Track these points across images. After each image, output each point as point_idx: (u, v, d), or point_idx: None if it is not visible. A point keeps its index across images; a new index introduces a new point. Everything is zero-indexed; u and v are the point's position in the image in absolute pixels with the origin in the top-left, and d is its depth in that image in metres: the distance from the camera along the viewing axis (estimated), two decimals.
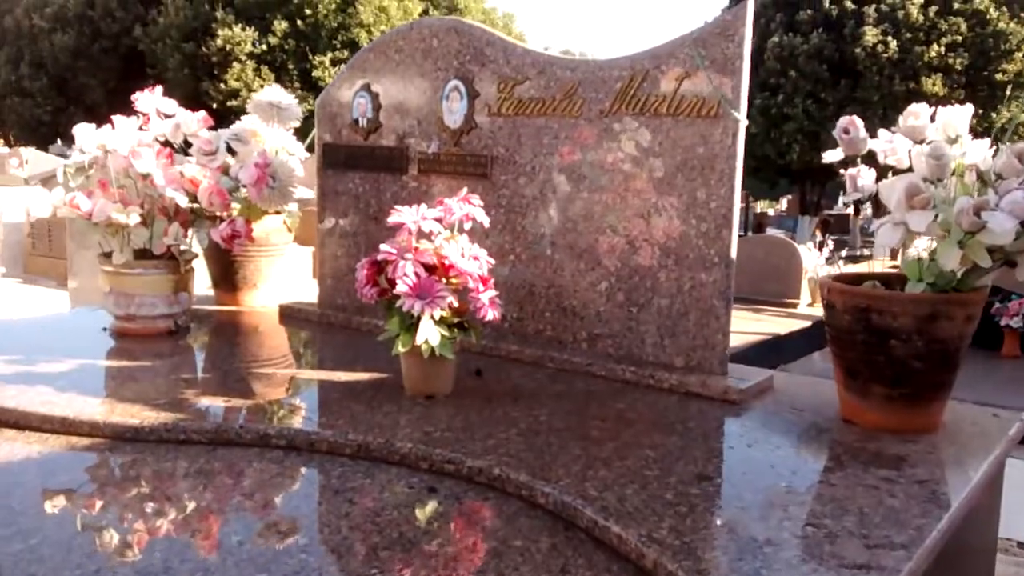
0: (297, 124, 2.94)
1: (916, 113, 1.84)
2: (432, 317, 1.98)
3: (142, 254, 2.56)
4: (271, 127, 2.85)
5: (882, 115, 17.90)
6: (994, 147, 1.84)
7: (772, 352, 6.93)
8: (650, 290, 2.29)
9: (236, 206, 2.75)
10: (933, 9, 19.01)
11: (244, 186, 2.65)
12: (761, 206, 29.66)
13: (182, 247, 2.63)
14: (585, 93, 2.35)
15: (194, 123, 2.67)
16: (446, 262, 1.98)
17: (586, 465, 1.66)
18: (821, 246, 12.15)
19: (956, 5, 19.02)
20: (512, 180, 2.50)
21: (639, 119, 2.26)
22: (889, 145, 1.97)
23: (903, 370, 1.85)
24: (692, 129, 2.18)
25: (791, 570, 1.27)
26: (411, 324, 1.98)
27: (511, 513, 1.55)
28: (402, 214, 2.00)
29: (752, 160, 19.98)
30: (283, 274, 3.22)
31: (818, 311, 10.08)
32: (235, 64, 23.51)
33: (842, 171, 2.03)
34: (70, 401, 1.97)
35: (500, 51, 2.48)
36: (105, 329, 2.67)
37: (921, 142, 1.87)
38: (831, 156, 1.97)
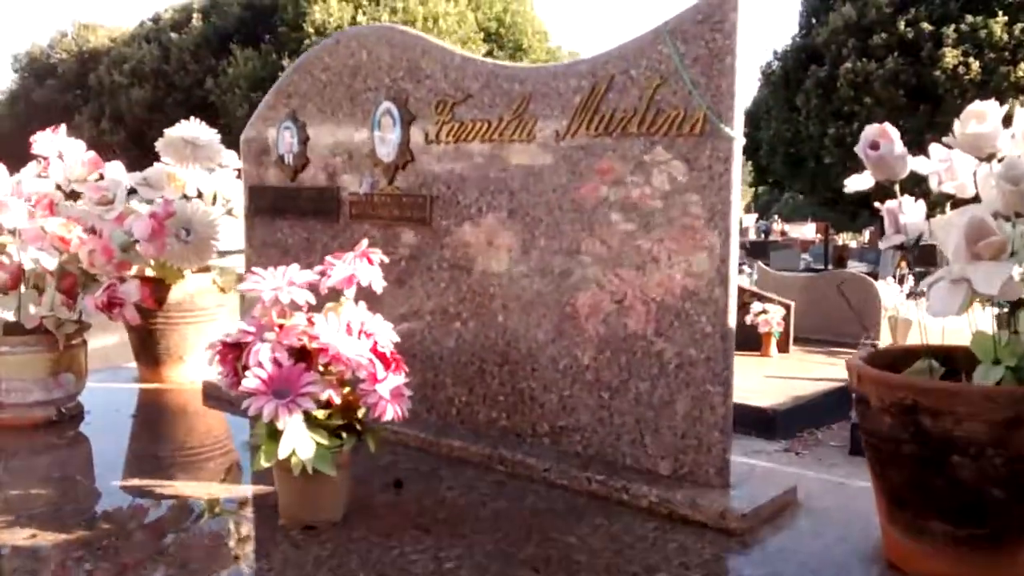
0: (217, 163, 2.45)
1: (980, 114, 1.23)
2: (312, 418, 1.44)
3: (13, 328, 2.09)
4: (186, 168, 2.37)
5: None
6: None
7: (845, 401, 6.20)
8: (625, 369, 1.70)
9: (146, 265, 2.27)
10: (1019, 27, 17.86)
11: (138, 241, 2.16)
12: (843, 238, 28.44)
13: (68, 317, 2.14)
14: (538, 110, 1.80)
15: (78, 166, 2.20)
16: (316, 344, 1.44)
17: None
18: (902, 280, 11.23)
19: None
20: (455, 226, 1.95)
21: (605, 141, 1.70)
22: (944, 165, 1.36)
23: (974, 500, 1.23)
24: (672, 152, 1.61)
25: None
26: (276, 429, 1.44)
27: None
28: (260, 279, 1.47)
29: (830, 192, 18.97)
30: None
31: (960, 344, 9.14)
32: None
33: (877, 204, 1.43)
34: None
35: (437, 62, 1.95)
36: None
37: (991, 158, 1.26)
38: (856, 183, 1.36)
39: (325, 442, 1.45)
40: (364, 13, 24.08)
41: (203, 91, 26.41)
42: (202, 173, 2.40)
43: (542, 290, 1.81)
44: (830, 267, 18.22)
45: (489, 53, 24.68)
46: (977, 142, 1.22)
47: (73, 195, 2.26)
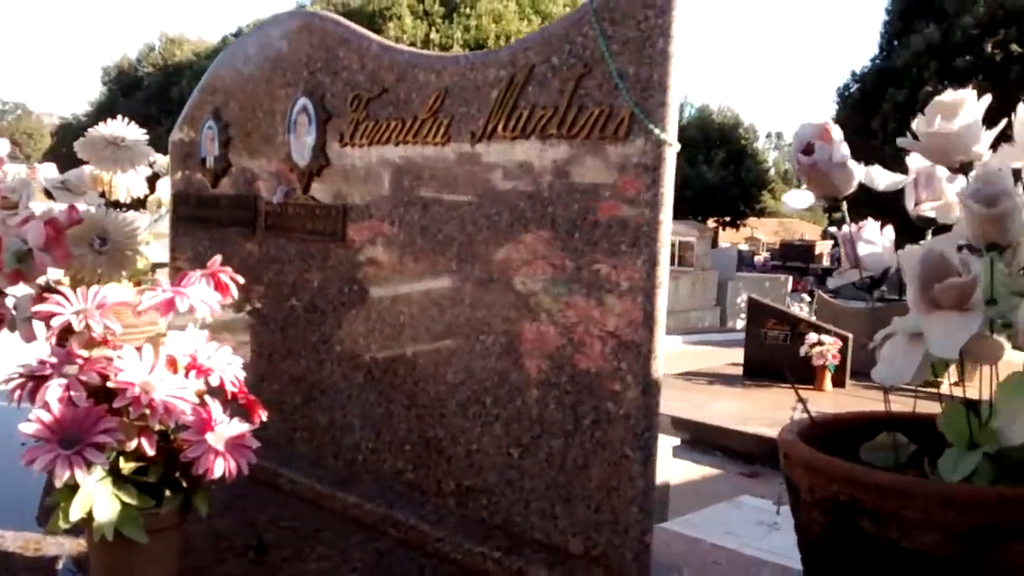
0: (145, 167, 2.21)
1: (951, 107, 0.89)
2: (119, 469, 1.17)
3: None
4: (108, 172, 2.13)
5: None
6: None
7: None
8: (536, 422, 1.39)
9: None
10: None
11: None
12: None
13: None
14: (454, 107, 1.50)
15: None
16: (116, 380, 1.17)
17: None
18: None
19: None
20: (368, 243, 1.67)
21: (521, 145, 1.40)
22: (923, 176, 1.03)
23: None
24: (595, 159, 1.30)
25: None
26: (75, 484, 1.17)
27: None
28: (59, 302, 1.22)
29: (905, 218, 18.18)
30: None
31: (971, 393, 8.56)
32: None
33: (832, 229, 1.10)
34: None
35: (355, 52, 1.68)
36: None
37: (965, 169, 0.92)
38: (793, 200, 1.03)
39: (133, 501, 1.18)
40: (437, 31, 24.16)
41: None
42: (136, 177, 2.17)
43: (452, 321, 1.51)
44: (904, 298, 17.42)
45: None
46: (944, 145, 0.88)
47: None
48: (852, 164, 0.95)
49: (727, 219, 28.00)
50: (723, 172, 25.58)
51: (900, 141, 0.91)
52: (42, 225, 1.82)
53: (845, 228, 1.06)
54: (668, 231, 1.25)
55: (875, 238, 1.06)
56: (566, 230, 1.34)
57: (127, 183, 2.15)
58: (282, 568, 1.38)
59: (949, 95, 0.90)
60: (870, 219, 1.07)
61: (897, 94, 18.12)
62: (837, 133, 0.94)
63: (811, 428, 1.06)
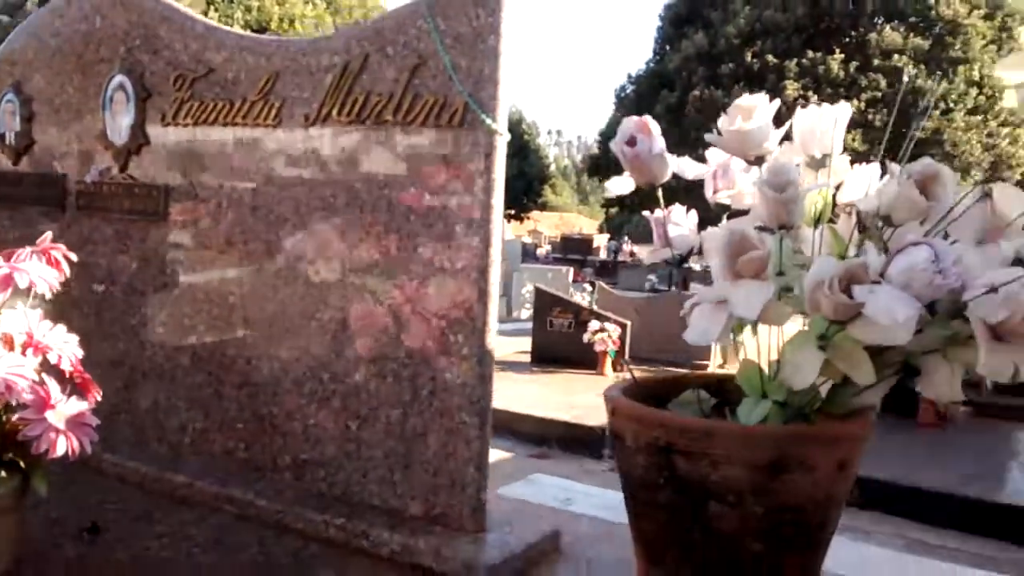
0: None
1: (748, 110, 1.06)
2: None
3: None
4: None
5: None
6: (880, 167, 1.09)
7: None
8: (374, 396, 1.47)
9: None
10: (853, 65, 18.91)
11: None
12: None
13: None
14: (286, 90, 1.54)
15: None
16: None
17: None
18: None
19: (876, 62, 18.94)
20: (191, 223, 1.67)
21: (357, 130, 1.46)
22: (713, 169, 1.20)
23: (732, 554, 1.06)
24: (429, 146, 1.39)
25: None
26: None
27: None
28: None
29: None
30: None
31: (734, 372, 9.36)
32: None
33: (645, 213, 1.25)
34: None
35: (178, 31, 1.67)
36: None
37: (760, 161, 1.09)
38: (616, 186, 1.18)
39: None
40: (216, 10, 23.11)
41: None
42: None
43: (286, 300, 1.55)
44: (674, 288, 18.65)
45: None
46: (742, 142, 1.05)
47: None
48: (668, 155, 1.10)
49: (511, 212, 28.77)
50: (507, 166, 26.29)
51: (708, 136, 1.07)
52: None
53: (658, 212, 1.21)
54: (500, 214, 1.36)
55: (682, 221, 1.22)
56: (402, 212, 1.42)
57: None
58: (121, 546, 1.37)
59: (747, 99, 1.06)
60: (677, 204, 1.23)
61: (669, 96, 19.41)
62: (656, 128, 1.09)
63: (632, 388, 1.21)
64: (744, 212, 1.21)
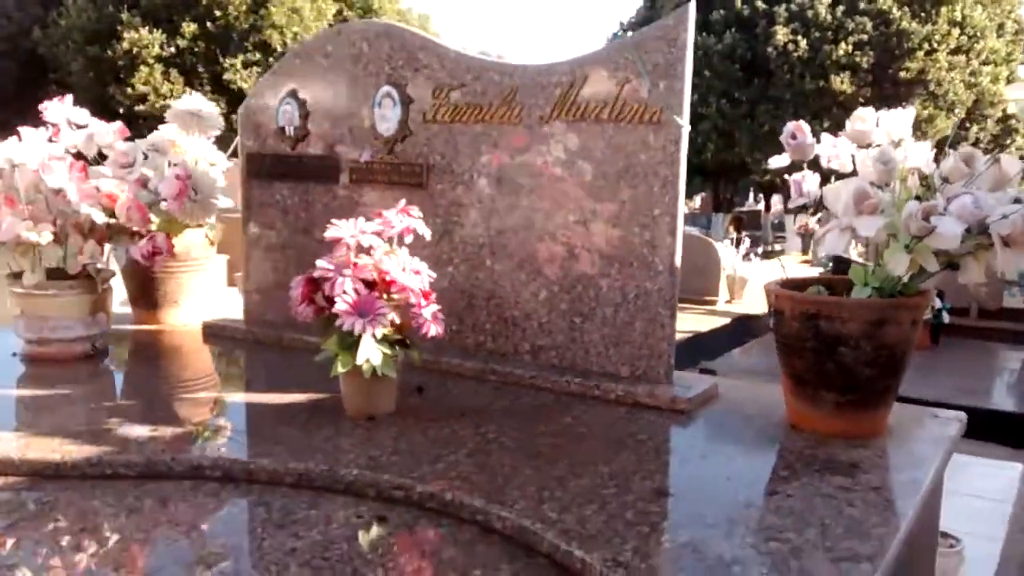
0: (218, 132, 2.80)
1: (863, 118, 1.83)
2: (374, 335, 1.89)
3: (55, 273, 2.41)
4: (191, 136, 2.71)
5: (792, 112, 18.34)
6: (935, 151, 1.85)
7: (694, 349, 6.98)
8: (593, 299, 2.24)
9: (156, 220, 2.61)
10: (840, 9, 19.58)
11: (164, 200, 2.51)
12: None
13: (99, 265, 2.48)
14: (524, 99, 2.29)
15: (109, 134, 2.53)
16: (387, 277, 1.90)
17: (541, 486, 1.60)
18: (737, 243, 12.36)
19: (862, 5, 19.62)
20: (449, 189, 2.43)
21: (579, 125, 2.22)
22: (834, 150, 1.96)
23: (852, 377, 1.84)
24: (634, 135, 2.15)
25: None
26: (351, 343, 1.89)
27: (467, 540, 1.48)
28: (340, 228, 1.91)
29: None
30: (205, 289, 3.08)
31: (736, 308, 10.27)
32: (143, 67, 22.70)
33: (786, 176, 2.02)
34: None
35: (433, 56, 2.41)
36: (15, 354, 2.50)
37: (867, 146, 1.86)
38: (777, 162, 1.95)
39: (389, 352, 1.91)
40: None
41: (31, 41, 24.94)
42: (203, 141, 2.76)
43: (524, 239, 2.32)
44: (698, 230, 19.36)
45: (339, 13, 24.47)
46: (859, 136, 1.83)
47: (96, 159, 2.57)
48: (814, 142, 1.87)
49: None
50: None
51: (841, 133, 1.85)
52: (175, 180, 2.45)
53: (796, 175, 1.98)
54: (683, 179, 2.12)
55: (811, 182, 1.99)
56: (615, 175, 2.18)
57: (195, 145, 2.76)
58: (442, 398, 2.16)
59: (861, 111, 1.83)
60: (806, 169, 2.00)
61: None
62: (806, 128, 1.85)
63: (783, 283, 1.99)
64: (841, 175, 1.98)
